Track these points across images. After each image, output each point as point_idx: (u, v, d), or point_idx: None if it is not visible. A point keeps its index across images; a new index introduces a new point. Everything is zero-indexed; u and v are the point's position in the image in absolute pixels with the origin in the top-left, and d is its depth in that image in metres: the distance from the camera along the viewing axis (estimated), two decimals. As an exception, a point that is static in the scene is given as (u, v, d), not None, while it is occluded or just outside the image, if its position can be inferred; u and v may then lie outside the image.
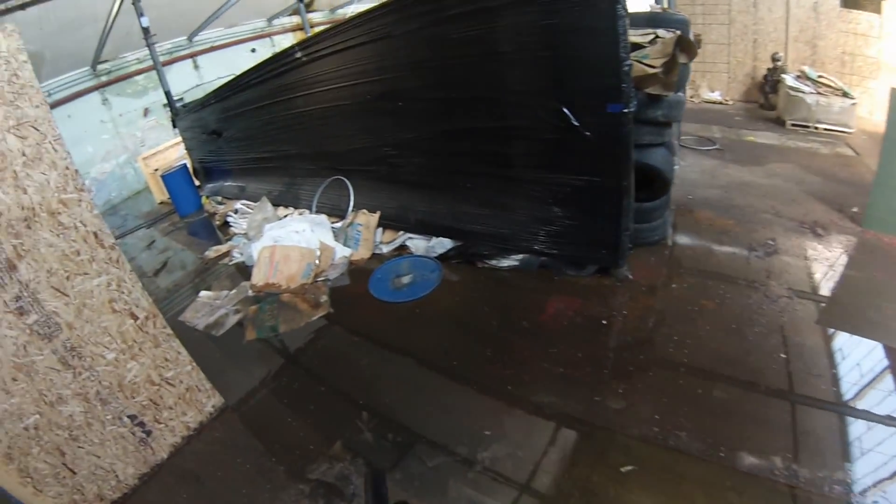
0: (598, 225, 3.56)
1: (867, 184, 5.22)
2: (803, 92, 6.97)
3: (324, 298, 4.23)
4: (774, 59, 7.67)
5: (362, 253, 4.84)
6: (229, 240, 6.00)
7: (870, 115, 7.35)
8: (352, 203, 5.15)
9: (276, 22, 11.25)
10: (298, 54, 4.97)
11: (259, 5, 10.23)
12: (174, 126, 8.10)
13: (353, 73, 4.56)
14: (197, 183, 7.84)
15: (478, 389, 3.03)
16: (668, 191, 3.93)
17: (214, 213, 7.10)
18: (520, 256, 4.07)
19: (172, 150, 8.61)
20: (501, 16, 3.29)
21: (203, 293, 4.72)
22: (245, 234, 5.68)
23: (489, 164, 3.92)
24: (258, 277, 4.50)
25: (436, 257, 4.44)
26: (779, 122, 7.32)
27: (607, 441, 2.51)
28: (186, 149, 7.99)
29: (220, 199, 7.45)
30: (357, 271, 4.69)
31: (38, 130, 2.32)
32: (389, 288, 4.22)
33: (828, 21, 7.56)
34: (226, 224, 6.54)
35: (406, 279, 4.26)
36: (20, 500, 2.26)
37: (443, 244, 4.48)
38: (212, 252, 5.71)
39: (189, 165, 7.89)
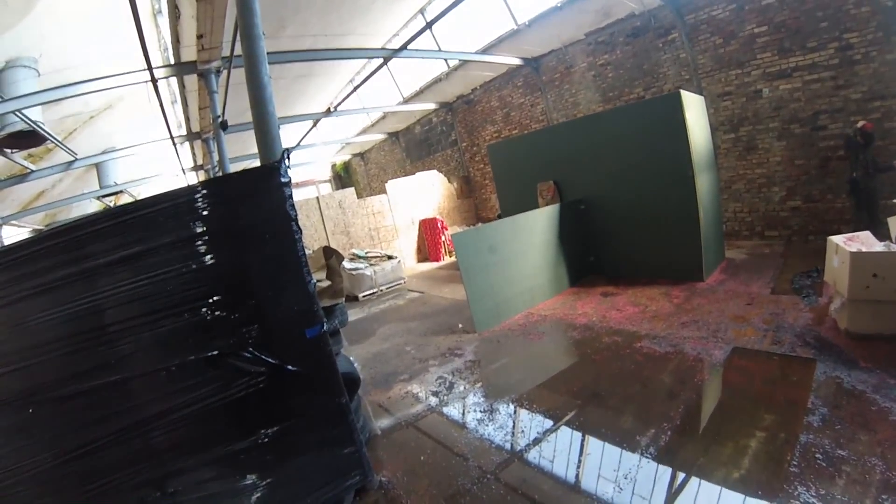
0: (330, 457, 3.20)
1: (450, 307, 7.24)
2: (361, 269, 9.02)
3: None
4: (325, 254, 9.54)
5: None
6: None
7: (405, 264, 10.24)
8: None
9: None
10: None
11: None
12: None
13: None
14: None
15: None
16: (357, 390, 4.04)
17: None
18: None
19: None
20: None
21: None
22: None
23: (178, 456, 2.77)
24: None
25: None
26: (353, 299, 8.84)
27: None
28: None
29: None
30: None
31: None
32: None
33: (352, 211, 10.39)
34: None
35: None
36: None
37: None
38: None
39: None
